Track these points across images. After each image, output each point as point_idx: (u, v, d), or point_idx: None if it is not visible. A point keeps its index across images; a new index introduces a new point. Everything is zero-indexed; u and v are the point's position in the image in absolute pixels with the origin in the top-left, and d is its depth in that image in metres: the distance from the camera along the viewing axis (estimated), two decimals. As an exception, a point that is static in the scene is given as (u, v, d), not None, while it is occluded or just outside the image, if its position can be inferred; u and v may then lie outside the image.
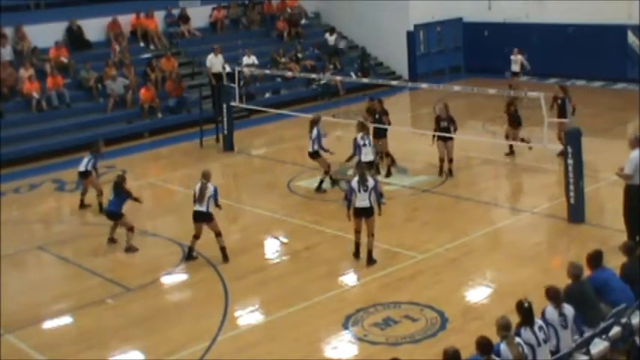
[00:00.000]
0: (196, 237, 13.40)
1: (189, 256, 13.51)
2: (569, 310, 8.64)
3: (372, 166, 15.53)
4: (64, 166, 20.45)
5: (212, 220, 13.28)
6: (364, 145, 15.75)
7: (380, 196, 13.04)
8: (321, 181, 16.77)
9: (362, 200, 12.52)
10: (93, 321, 11.61)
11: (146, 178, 19.14)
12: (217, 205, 13.31)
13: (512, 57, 24.11)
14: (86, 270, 13.56)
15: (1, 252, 14.41)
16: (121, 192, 14.21)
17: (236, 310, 11.66)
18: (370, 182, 12.55)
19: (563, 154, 17.63)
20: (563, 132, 17.41)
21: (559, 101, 17.73)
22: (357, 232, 12.86)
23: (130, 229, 14.26)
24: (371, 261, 12.81)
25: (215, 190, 13.20)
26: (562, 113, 17.66)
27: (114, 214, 14.26)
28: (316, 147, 16.58)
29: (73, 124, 22.67)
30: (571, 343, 8.58)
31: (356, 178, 12.66)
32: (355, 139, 15.87)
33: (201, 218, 13.23)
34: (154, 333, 11.09)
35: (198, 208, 13.16)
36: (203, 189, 13.11)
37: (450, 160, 17.12)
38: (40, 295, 12.70)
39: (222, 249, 13.39)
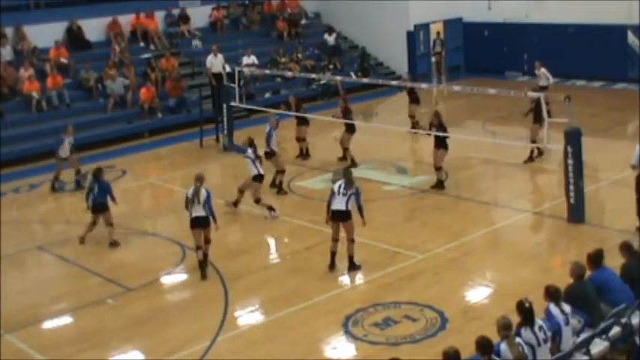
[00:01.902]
0: (199, 247, 12.71)
1: (204, 273, 12.71)
2: (567, 307, 8.69)
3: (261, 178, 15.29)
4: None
5: (209, 225, 12.70)
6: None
7: (360, 206, 12.47)
8: (277, 181, 16.93)
9: (338, 203, 12.29)
10: (93, 321, 11.62)
11: (146, 178, 19.13)
12: (212, 215, 12.67)
13: (536, 72, 21.70)
14: (86, 270, 13.56)
15: (1, 252, 14.41)
16: (102, 184, 14.38)
17: (236, 310, 11.66)
18: (352, 189, 12.31)
19: (531, 160, 17.72)
20: (536, 136, 17.35)
21: (533, 104, 17.58)
22: (335, 240, 12.53)
23: (110, 224, 14.40)
24: (353, 267, 12.58)
25: (209, 195, 12.63)
26: (537, 117, 17.59)
27: (102, 206, 14.33)
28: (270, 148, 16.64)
29: (73, 124, 22.54)
30: (571, 340, 8.59)
31: (339, 182, 12.49)
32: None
33: (201, 224, 12.62)
34: (154, 333, 11.09)
35: (197, 213, 12.59)
36: (197, 193, 12.55)
37: (437, 169, 16.39)
38: (40, 295, 12.70)
39: (205, 255, 12.76)
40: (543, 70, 21.68)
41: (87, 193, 14.66)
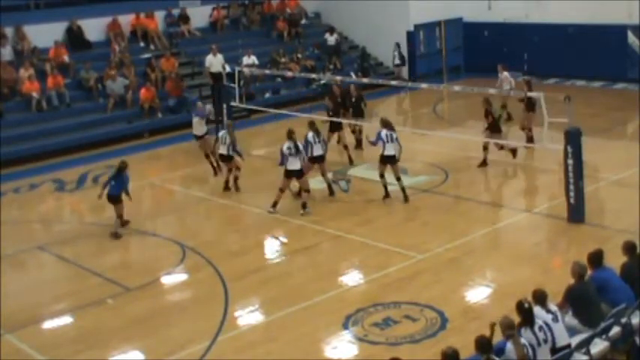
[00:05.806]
0: (282, 190, 15.46)
1: (297, 194, 15.93)
2: (554, 307, 8.72)
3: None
4: (64, 166, 20.47)
5: (302, 176, 15.36)
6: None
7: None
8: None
9: (317, 150, 15.74)
10: (93, 321, 11.61)
11: (146, 178, 19.11)
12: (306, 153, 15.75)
13: (500, 75, 21.44)
14: (86, 270, 13.55)
15: (1, 252, 14.41)
16: (122, 178, 14.87)
17: (236, 310, 11.66)
18: (322, 136, 15.98)
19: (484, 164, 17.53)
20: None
21: (490, 115, 17.49)
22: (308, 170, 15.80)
23: (120, 216, 14.81)
24: (331, 192, 16.24)
25: (306, 145, 15.58)
26: (495, 127, 17.49)
27: (114, 198, 14.79)
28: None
29: (73, 124, 22.67)
30: (566, 335, 8.61)
31: (311, 133, 15.63)
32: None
33: (295, 175, 15.28)
34: (154, 333, 11.09)
35: (292, 167, 15.09)
36: (296, 147, 15.03)
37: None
38: (40, 295, 12.70)
39: (304, 204, 15.31)
40: (506, 73, 21.35)
41: (105, 182, 15.12)
